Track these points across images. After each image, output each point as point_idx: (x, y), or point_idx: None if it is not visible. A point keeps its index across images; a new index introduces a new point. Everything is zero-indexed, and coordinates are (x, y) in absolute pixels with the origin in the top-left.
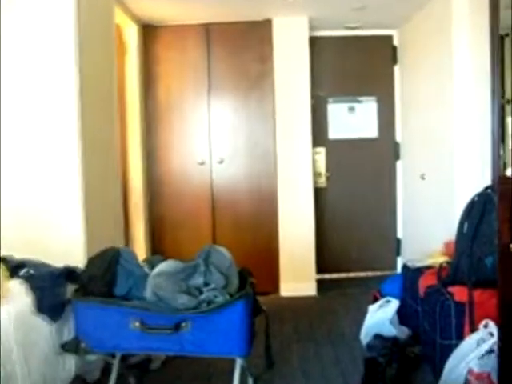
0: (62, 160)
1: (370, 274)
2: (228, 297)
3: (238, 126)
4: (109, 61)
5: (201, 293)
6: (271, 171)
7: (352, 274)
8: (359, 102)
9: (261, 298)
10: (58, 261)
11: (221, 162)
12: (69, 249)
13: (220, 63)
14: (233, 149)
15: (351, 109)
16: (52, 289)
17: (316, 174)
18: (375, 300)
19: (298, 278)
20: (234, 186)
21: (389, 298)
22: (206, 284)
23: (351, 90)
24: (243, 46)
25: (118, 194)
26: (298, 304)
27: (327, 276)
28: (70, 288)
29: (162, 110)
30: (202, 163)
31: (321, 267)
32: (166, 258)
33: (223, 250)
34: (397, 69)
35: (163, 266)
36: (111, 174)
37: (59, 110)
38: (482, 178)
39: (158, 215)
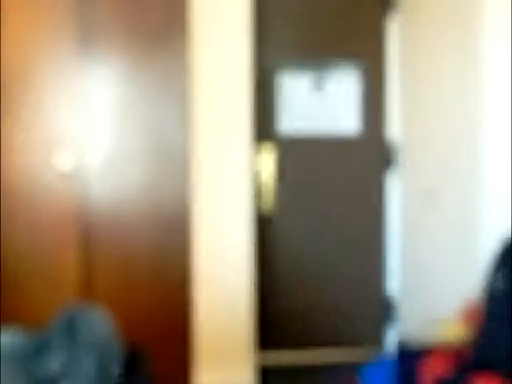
0: None
1: (342, 353)
2: None
3: (128, 110)
4: None
5: None
6: (182, 185)
7: (314, 354)
8: (330, 73)
9: None
10: None
11: (99, 169)
12: None
13: (101, 4)
14: (119, 147)
15: (317, 85)
16: None
17: (259, 193)
18: None
19: (225, 360)
20: (120, 209)
21: None
22: (66, 372)
23: (318, 55)
24: None
25: None
26: None
27: (274, 356)
28: None
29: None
30: (67, 173)
31: (265, 342)
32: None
33: (97, 314)
34: (394, 19)
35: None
36: None
37: None
38: None
39: None
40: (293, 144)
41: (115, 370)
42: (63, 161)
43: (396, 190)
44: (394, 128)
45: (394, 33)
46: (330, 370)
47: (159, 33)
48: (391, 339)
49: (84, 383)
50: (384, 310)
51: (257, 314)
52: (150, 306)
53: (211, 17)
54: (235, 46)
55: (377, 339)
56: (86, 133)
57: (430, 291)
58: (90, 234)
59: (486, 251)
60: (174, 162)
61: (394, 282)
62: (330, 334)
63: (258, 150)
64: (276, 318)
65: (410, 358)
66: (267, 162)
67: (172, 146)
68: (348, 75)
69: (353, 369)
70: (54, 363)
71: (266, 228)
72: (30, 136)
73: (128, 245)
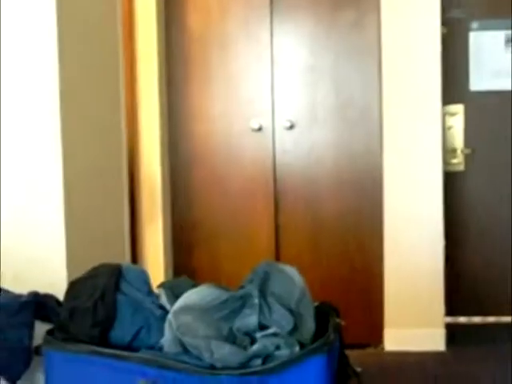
0: (33, 134)
1: None
2: (298, 348)
3: (318, 70)
4: None
5: (253, 341)
6: (373, 145)
7: (506, 319)
8: None
9: (353, 353)
10: (23, 285)
11: (290, 127)
12: (41, 264)
13: None
14: (310, 107)
15: (510, 41)
16: (9, 330)
17: (448, 151)
18: None
19: (414, 322)
20: (311, 167)
21: None
22: (262, 327)
23: None
24: None
25: (123, 180)
26: (413, 365)
27: (464, 320)
28: (41, 329)
29: (193, 46)
30: (259, 129)
31: (453, 306)
32: (196, 284)
33: (291, 271)
34: None
35: (192, 297)
36: (111, 151)
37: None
38: None
39: (186, 214)
40: (483, 102)
41: (309, 323)
42: (256, 120)
43: None
44: None
45: None
46: None
47: None
48: None
49: (279, 336)
50: None
51: (445, 276)
52: (339, 267)
53: None
54: (424, 3)
55: None
56: (277, 94)
57: None
58: (280, 195)
59: None
60: (365, 124)
61: None
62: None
63: (447, 109)
64: (465, 280)
65: None
66: (457, 120)
67: (363, 107)
68: None
69: None
70: (249, 317)
71: (455, 185)
72: (224, 97)
73: (318, 208)
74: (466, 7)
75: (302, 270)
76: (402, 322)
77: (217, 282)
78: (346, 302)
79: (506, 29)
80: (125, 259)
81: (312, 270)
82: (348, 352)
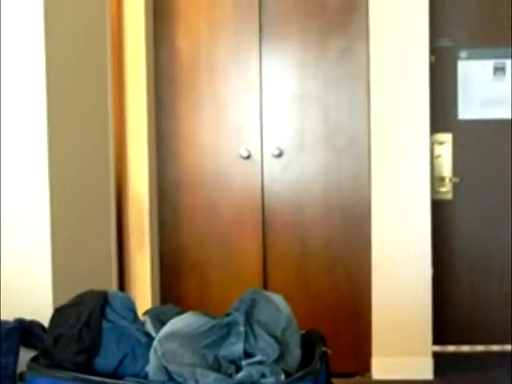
0: (18, 165)
1: None
2: (284, 377)
3: (307, 97)
4: None
5: (239, 369)
6: (362, 173)
7: (495, 348)
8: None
9: (341, 382)
10: (8, 312)
11: (279, 154)
12: (27, 291)
13: None
14: (298, 134)
15: (499, 69)
16: None
17: (436, 179)
18: None
19: (401, 350)
20: (299, 195)
21: None
22: (248, 354)
23: (501, 37)
24: None
25: (110, 205)
26: None
27: (452, 348)
28: (26, 356)
29: (182, 70)
30: (248, 157)
31: (441, 334)
32: (182, 311)
33: (277, 299)
34: None
35: (178, 324)
36: (98, 176)
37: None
38: None
39: (174, 240)
40: (471, 131)
41: (295, 352)
42: (245, 147)
43: None
44: None
45: None
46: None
47: (337, 17)
48: None
49: (265, 364)
50: None
51: (433, 304)
52: (327, 295)
53: (389, 1)
54: (414, 29)
55: None
56: (266, 121)
57: None
58: (268, 223)
59: None
60: (354, 152)
61: None
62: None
63: (435, 138)
64: (453, 308)
65: None
66: (445, 149)
67: (351, 135)
68: None
69: None
70: (235, 345)
71: (443, 213)
72: (213, 123)
73: (306, 236)
74: (454, 36)
75: (290, 298)
76: (389, 350)
77: (204, 309)
78: (334, 330)
79: (495, 58)
80: (112, 286)
81: (300, 297)
82: (336, 380)
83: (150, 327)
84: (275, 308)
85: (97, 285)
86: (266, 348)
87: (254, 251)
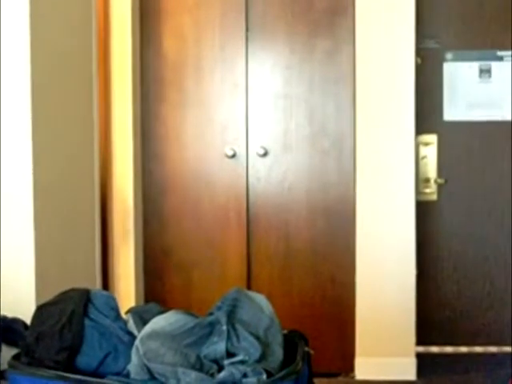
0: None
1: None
2: (265, 376)
3: (293, 98)
4: None
5: (221, 368)
6: (346, 173)
7: (479, 349)
8: (500, 59)
9: (324, 382)
10: None
11: (264, 154)
12: (10, 288)
13: None
14: (283, 135)
15: (484, 72)
16: None
17: (421, 180)
18: None
19: (385, 351)
20: (284, 195)
21: None
22: (230, 354)
23: (487, 39)
24: None
25: (94, 204)
26: None
27: (436, 350)
28: (7, 353)
29: (168, 70)
30: (233, 156)
31: (425, 335)
32: (165, 310)
33: (260, 298)
34: None
35: (160, 323)
36: (83, 176)
37: None
38: None
39: (158, 240)
40: (457, 133)
41: (277, 351)
42: (230, 147)
43: None
44: None
45: None
46: (493, 360)
47: (324, 18)
48: None
49: (246, 364)
50: None
51: (417, 304)
52: (311, 295)
53: (376, 3)
54: (399, 31)
55: None
56: (251, 121)
57: None
58: (253, 222)
59: None
60: (339, 152)
61: None
62: (497, 329)
63: (420, 139)
64: (437, 309)
65: None
66: (430, 150)
67: (337, 136)
68: None
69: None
70: (217, 344)
71: (427, 214)
72: (198, 123)
73: (290, 235)
74: (440, 38)
75: (274, 298)
76: (373, 350)
77: (188, 309)
78: (318, 331)
79: (481, 60)
80: (95, 285)
81: (284, 298)
82: (319, 381)
83: (132, 326)
84: (258, 308)
85: (80, 284)
86: (248, 348)
87: (238, 251)
